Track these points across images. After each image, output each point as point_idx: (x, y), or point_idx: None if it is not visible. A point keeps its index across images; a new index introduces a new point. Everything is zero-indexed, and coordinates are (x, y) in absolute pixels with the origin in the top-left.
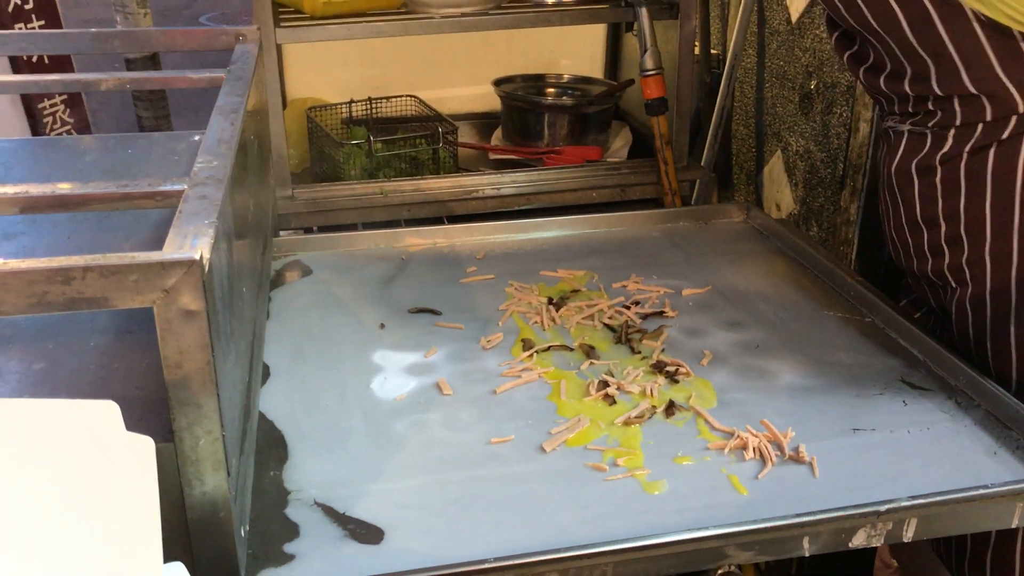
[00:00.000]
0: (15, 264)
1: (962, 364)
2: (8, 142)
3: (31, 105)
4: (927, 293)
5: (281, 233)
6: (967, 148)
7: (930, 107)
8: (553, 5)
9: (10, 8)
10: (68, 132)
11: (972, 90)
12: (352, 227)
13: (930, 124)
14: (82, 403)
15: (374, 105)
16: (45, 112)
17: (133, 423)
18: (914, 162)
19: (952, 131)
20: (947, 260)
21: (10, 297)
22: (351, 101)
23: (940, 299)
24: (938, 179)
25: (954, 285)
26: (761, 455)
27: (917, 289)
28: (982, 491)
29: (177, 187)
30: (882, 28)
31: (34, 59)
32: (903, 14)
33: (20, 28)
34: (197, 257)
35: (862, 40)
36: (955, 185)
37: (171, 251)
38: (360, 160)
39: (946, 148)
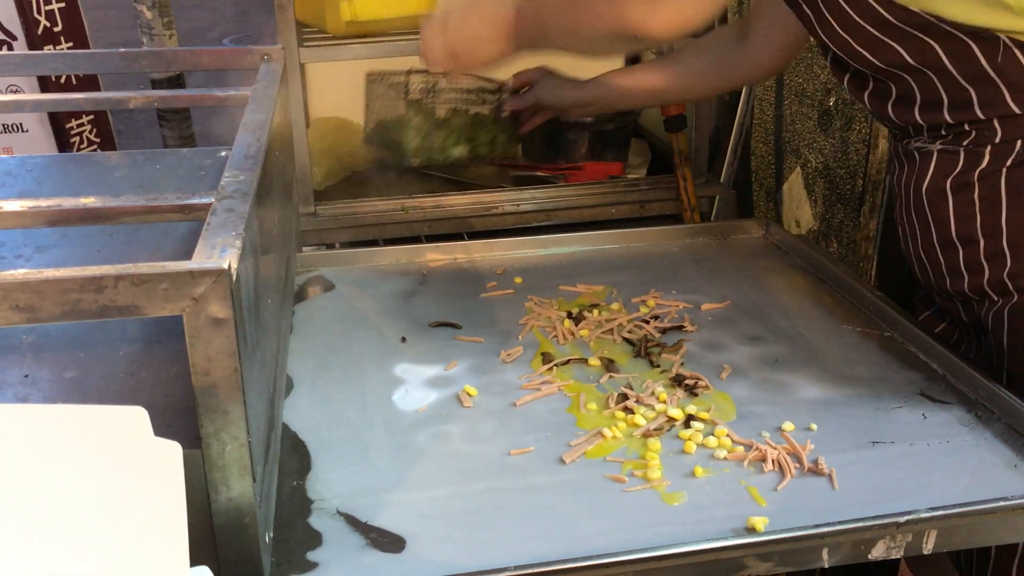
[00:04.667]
0: (50, 273)
1: (981, 377)
2: (40, 158)
3: (59, 124)
4: (958, 309)
5: (304, 249)
6: (1007, 164)
7: (966, 128)
8: None
9: (39, 30)
10: (94, 151)
11: (1017, 110)
12: (373, 243)
13: (964, 143)
14: (111, 409)
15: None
16: (72, 131)
17: (161, 430)
18: (949, 180)
19: (989, 148)
20: (987, 275)
21: (45, 304)
22: (410, 71)
23: (975, 313)
24: (976, 195)
25: (995, 298)
26: (780, 467)
27: (947, 305)
28: (1002, 503)
29: (205, 200)
30: (922, 65)
31: (62, 79)
32: (943, 50)
33: (49, 49)
34: (225, 266)
35: (881, 78)
36: (995, 200)
37: (200, 261)
38: (421, 123)
39: (983, 165)
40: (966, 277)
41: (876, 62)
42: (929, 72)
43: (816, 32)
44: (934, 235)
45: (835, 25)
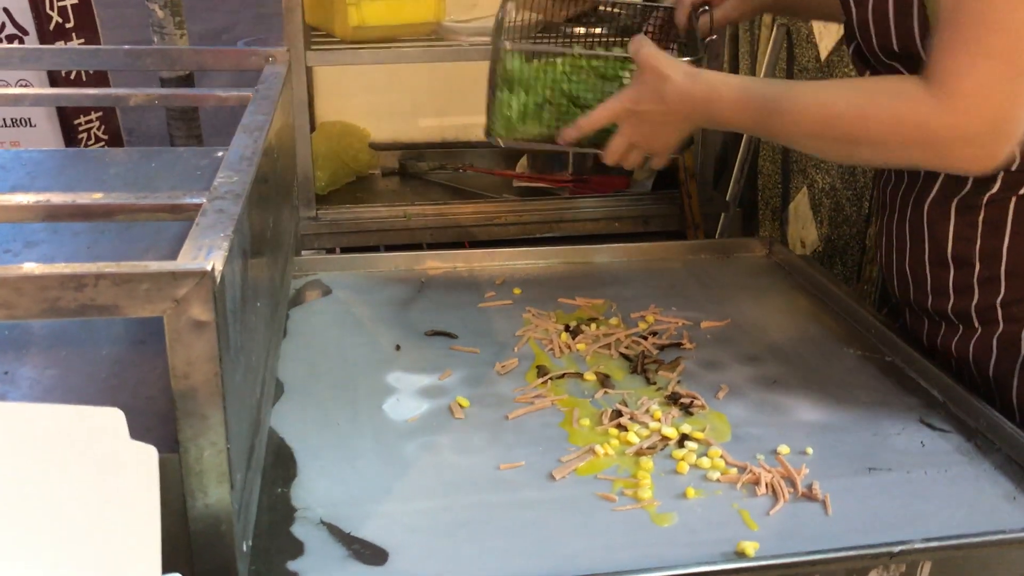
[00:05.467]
0: (29, 269)
1: (982, 407)
2: (36, 152)
3: (67, 121)
4: (923, 329)
5: (303, 253)
6: (1019, 192)
7: None
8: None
9: (51, 26)
10: (102, 147)
11: None
12: (374, 249)
13: None
14: (87, 409)
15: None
16: (80, 128)
17: (140, 433)
18: (955, 200)
19: (1002, 174)
20: (976, 300)
21: (24, 301)
22: None
23: (948, 339)
24: (980, 218)
25: (977, 325)
26: (773, 491)
27: (914, 324)
28: (999, 536)
29: (196, 200)
30: None
31: (72, 76)
32: None
33: (60, 45)
34: (209, 268)
35: None
36: (999, 225)
37: (184, 262)
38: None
39: (994, 190)
40: (952, 298)
41: (905, 72)
42: None
43: (851, 18)
44: (927, 252)
45: (871, 25)
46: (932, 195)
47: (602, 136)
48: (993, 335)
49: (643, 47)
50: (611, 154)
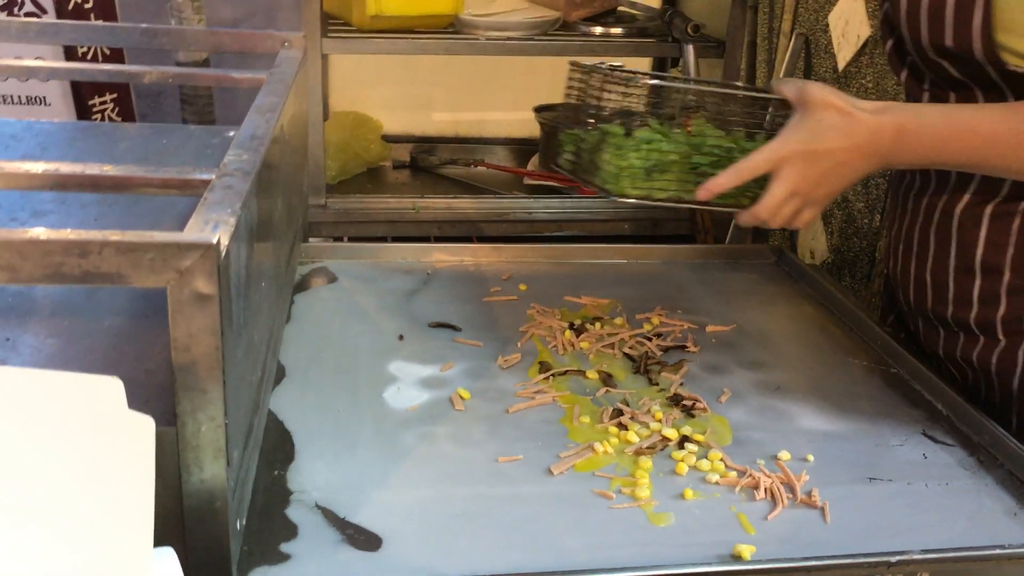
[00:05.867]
0: (34, 233)
1: (986, 421)
2: (47, 124)
3: (82, 101)
4: (940, 340)
5: (311, 240)
6: None
7: None
8: (600, 36)
9: (70, 6)
10: None
11: None
12: (382, 240)
13: None
14: (86, 377)
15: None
16: (95, 108)
17: (138, 405)
18: (990, 206)
19: None
20: (1002, 310)
21: (27, 265)
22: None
23: (968, 350)
24: (1016, 226)
25: (1001, 336)
26: (772, 496)
27: (929, 334)
28: (998, 551)
29: (205, 176)
30: (991, 84)
31: (89, 56)
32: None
33: None
34: (214, 241)
35: (945, 86)
36: None
37: (190, 234)
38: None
39: None
40: (975, 308)
41: (954, 72)
42: (999, 91)
43: (897, 9)
44: (952, 259)
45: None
46: (964, 200)
47: (739, 192)
48: (1018, 347)
49: (807, 86)
50: (767, 207)
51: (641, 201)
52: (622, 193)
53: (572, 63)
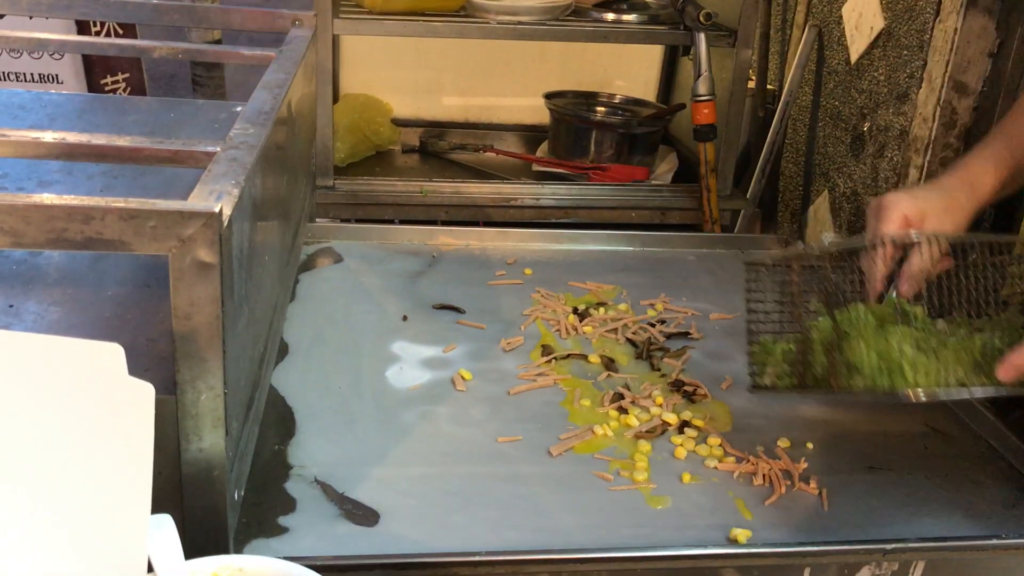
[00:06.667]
0: (38, 199)
1: (988, 414)
2: (56, 95)
3: (94, 82)
4: None
5: (317, 221)
6: None
7: None
8: (612, 23)
9: None
10: None
11: None
12: (388, 223)
13: None
14: (87, 343)
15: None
16: (107, 87)
17: (139, 373)
18: None
19: None
20: None
21: (30, 230)
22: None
23: None
24: None
25: None
26: (770, 482)
27: None
28: (995, 542)
29: (210, 149)
30: None
31: (102, 33)
32: None
33: None
34: (216, 210)
35: None
36: None
37: (193, 202)
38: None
39: None
40: None
41: None
42: None
43: None
44: None
45: None
46: None
47: None
48: None
49: None
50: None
51: (932, 391)
52: (914, 387)
53: (750, 264)
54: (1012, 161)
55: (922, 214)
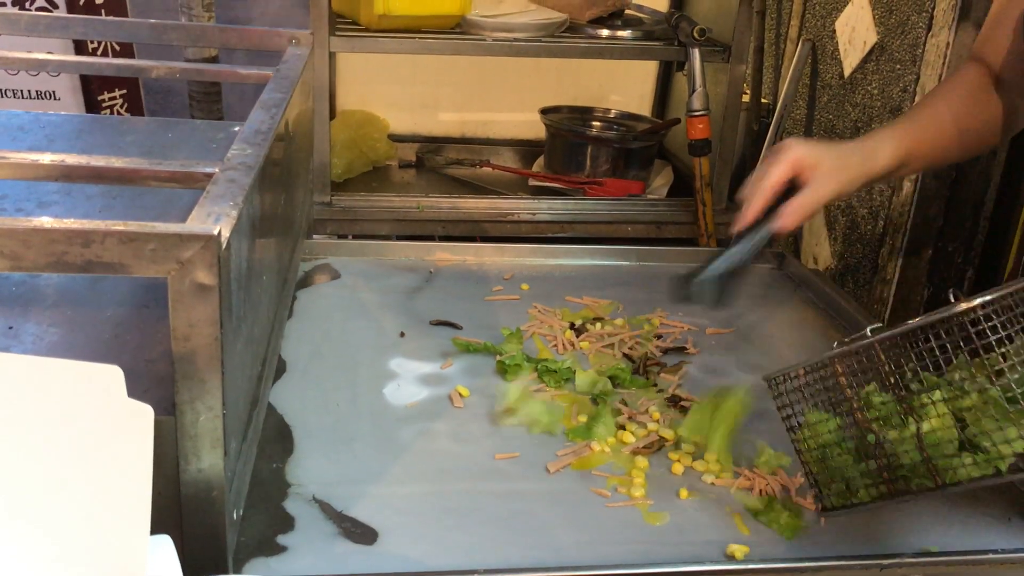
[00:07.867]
0: (38, 222)
1: None
2: (54, 116)
3: (91, 96)
4: None
5: (314, 237)
6: None
7: None
8: (607, 39)
9: (81, 2)
10: None
11: None
12: (385, 238)
13: None
14: (87, 365)
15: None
16: (104, 104)
17: (138, 394)
18: None
19: None
20: None
21: (30, 254)
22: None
23: None
24: None
25: None
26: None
27: None
28: (991, 556)
29: (208, 170)
30: None
31: (99, 52)
32: None
33: None
34: (215, 233)
35: None
36: None
37: (192, 225)
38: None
39: None
40: None
41: None
42: None
43: None
44: None
45: None
46: None
47: None
48: None
49: None
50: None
51: None
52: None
53: (771, 379)
54: (911, 143)
55: (815, 162)
